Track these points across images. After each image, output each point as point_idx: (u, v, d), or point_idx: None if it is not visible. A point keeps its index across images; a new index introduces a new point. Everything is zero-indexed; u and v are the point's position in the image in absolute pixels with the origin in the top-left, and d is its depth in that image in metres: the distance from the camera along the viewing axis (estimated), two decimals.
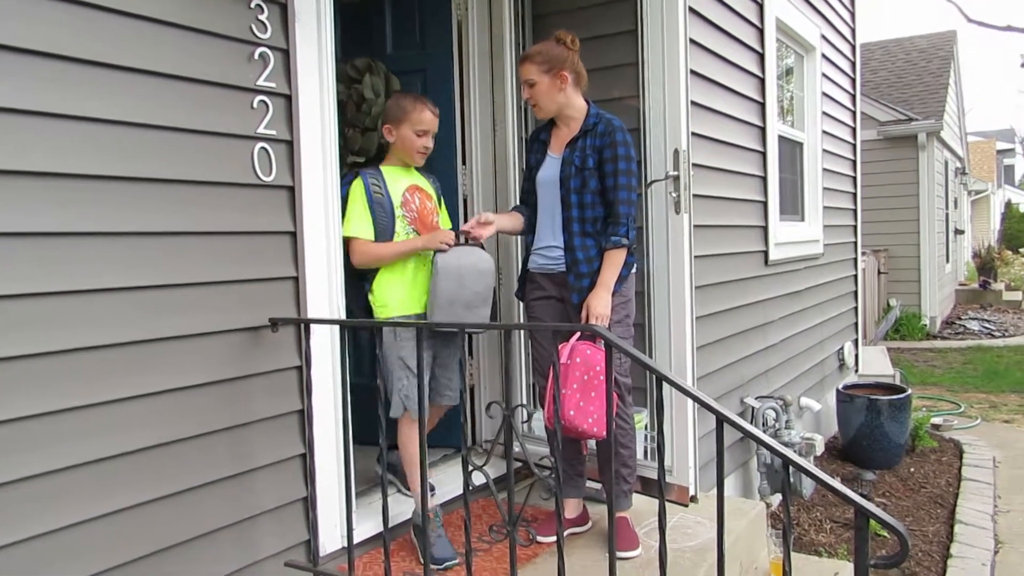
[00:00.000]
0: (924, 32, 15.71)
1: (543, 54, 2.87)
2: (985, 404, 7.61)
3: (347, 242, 2.80)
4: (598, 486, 3.23)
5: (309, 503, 2.53)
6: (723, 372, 4.13)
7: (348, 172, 2.97)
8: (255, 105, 2.37)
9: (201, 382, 2.25)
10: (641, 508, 3.09)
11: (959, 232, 17.66)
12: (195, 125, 2.21)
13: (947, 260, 14.65)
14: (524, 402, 3.66)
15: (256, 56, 2.36)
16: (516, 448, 2.20)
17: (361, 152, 3.69)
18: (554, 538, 2.94)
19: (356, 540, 2.75)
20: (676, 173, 3.06)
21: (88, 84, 1.98)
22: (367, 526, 2.80)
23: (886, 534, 4.22)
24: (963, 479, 5.30)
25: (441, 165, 3.67)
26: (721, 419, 1.75)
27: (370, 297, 2.92)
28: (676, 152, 3.05)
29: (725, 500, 3.69)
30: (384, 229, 2.88)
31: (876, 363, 7.48)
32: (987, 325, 12.90)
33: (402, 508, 2.97)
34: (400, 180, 2.98)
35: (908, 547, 1.56)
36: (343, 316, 2.67)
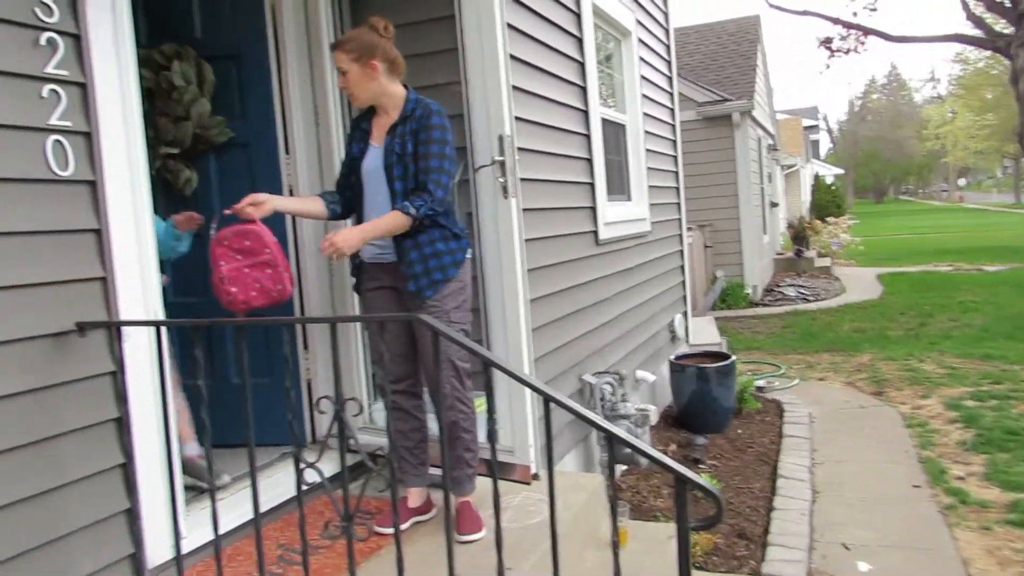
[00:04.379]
0: (733, 16, 16.65)
1: (353, 41, 2.80)
2: (803, 364, 8.24)
3: None
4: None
5: (133, 515, 2.38)
6: (560, 352, 4.24)
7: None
8: (45, 95, 2.18)
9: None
10: (487, 490, 3.11)
11: (774, 205, 18.96)
12: None
13: (765, 232, 15.70)
14: (365, 394, 3.61)
15: (43, 42, 2.17)
16: (361, 441, 2.17)
17: (175, 143, 3.49)
18: (403, 527, 2.95)
19: (191, 548, 2.64)
20: (502, 158, 3.09)
21: None
22: (202, 532, 2.67)
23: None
24: (784, 436, 5.72)
25: (262, 156, 3.55)
26: (548, 399, 1.79)
27: None
28: (500, 138, 3.08)
29: (566, 475, 3.79)
30: None
31: (705, 333, 7.93)
32: (802, 291, 13.96)
33: (238, 512, 2.86)
34: None
35: (723, 509, 1.65)
36: (160, 316, 2.52)
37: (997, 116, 42.14)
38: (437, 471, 3.18)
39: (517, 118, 3.57)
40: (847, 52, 13.65)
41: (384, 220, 2.77)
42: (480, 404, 3.34)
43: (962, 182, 79.71)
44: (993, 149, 52.05)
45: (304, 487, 2.13)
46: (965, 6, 10.23)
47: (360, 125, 3.00)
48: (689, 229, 9.07)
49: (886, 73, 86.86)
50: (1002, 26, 10.15)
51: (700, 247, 11.49)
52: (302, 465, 2.05)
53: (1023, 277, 13.66)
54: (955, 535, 4.01)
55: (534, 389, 1.78)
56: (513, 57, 3.59)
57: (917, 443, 5.48)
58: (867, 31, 12.27)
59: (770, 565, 3.70)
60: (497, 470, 1.88)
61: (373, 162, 2.90)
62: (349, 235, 2.73)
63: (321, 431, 3.64)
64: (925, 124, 60.53)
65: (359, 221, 2.97)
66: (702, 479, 1.70)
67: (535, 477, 3.30)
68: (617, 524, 1.78)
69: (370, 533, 2.85)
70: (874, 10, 13.68)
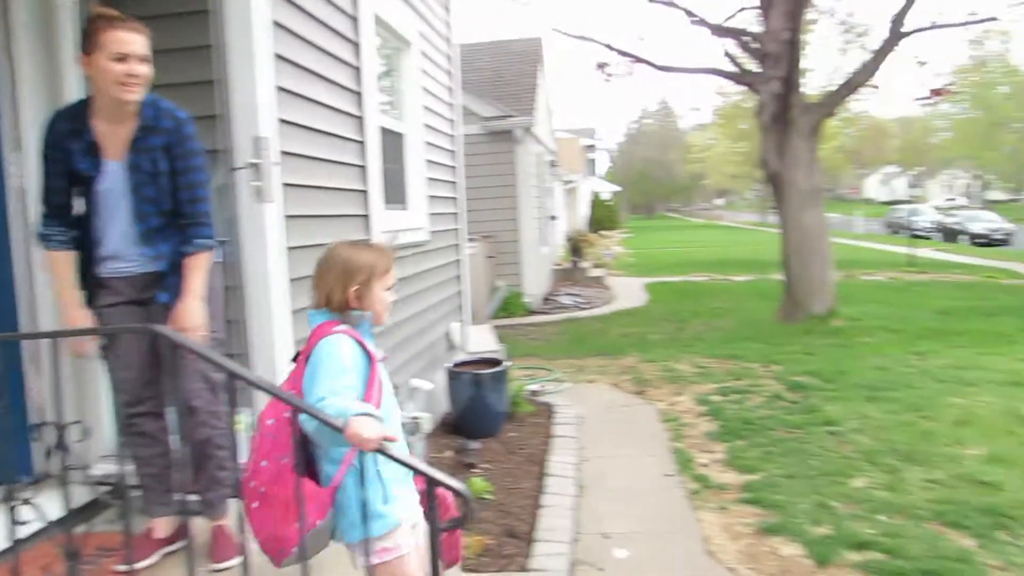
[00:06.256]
0: (518, 37, 17.30)
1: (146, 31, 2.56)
2: (574, 368, 8.63)
3: None
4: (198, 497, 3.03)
5: None
6: None
7: None
8: None
9: None
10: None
11: (553, 218, 19.81)
12: None
13: (544, 244, 16.34)
14: (110, 419, 3.31)
15: None
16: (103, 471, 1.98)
17: None
18: (150, 561, 2.73)
19: None
20: (258, 161, 2.96)
21: None
22: None
23: (488, 496, 4.57)
24: (554, 437, 5.94)
25: None
26: (297, 409, 1.73)
27: None
28: (256, 139, 2.95)
29: None
30: None
31: (484, 340, 8.08)
32: (577, 299, 14.67)
33: None
34: None
35: (471, 507, 1.68)
36: None
37: (749, 144, 46.75)
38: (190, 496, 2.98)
39: (283, 120, 3.45)
40: (620, 76, 14.62)
41: (199, 267, 2.69)
42: (240, 420, 3.18)
43: (720, 202, 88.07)
44: (745, 174, 57.77)
45: (23, 528, 1.91)
46: (723, 44, 11.39)
47: (81, 135, 2.61)
48: (473, 240, 9.24)
49: (659, 101, 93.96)
50: (752, 65, 11.36)
51: (482, 258, 11.74)
52: (13, 503, 1.84)
53: (764, 287, 15.20)
54: (699, 517, 4.40)
55: (272, 394, 1.71)
56: (279, 57, 3.47)
57: (671, 436, 5.94)
58: (637, 59, 13.11)
59: (536, 560, 3.82)
60: (241, 488, 1.79)
61: (113, 183, 2.66)
62: (193, 310, 2.62)
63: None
64: (689, 149, 66.14)
65: (91, 244, 2.71)
66: (452, 480, 1.71)
67: None
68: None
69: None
70: (641, 39, 14.82)
